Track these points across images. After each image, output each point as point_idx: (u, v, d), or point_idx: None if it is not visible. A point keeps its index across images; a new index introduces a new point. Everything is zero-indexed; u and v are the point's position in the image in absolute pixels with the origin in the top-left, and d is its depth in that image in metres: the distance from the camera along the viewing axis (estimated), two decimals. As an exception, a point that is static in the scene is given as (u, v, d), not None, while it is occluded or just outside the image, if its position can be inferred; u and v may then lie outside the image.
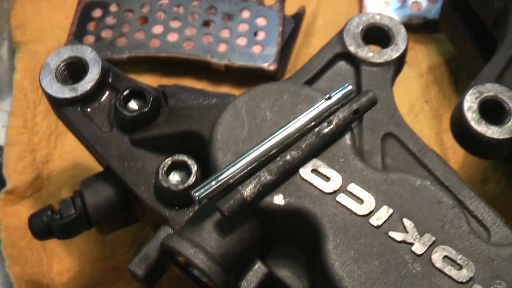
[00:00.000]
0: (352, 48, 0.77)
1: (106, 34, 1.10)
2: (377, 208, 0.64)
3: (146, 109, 0.74)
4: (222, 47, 1.06)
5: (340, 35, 0.78)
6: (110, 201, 0.76)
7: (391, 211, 0.64)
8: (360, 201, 0.65)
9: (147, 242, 0.69)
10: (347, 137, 0.67)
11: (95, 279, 0.94)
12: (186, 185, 0.69)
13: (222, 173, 0.63)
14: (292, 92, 0.69)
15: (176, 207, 0.71)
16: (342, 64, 0.78)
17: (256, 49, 1.06)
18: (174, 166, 0.71)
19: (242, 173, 0.64)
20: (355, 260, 0.62)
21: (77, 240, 0.90)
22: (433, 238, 0.63)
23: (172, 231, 0.68)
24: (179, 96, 0.76)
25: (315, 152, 0.66)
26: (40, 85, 0.77)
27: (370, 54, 0.77)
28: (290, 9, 1.11)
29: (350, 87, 0.67)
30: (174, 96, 0.76)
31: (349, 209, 0.64)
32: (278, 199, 0.64)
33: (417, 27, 1.10)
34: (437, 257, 0.63)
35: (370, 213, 0.64)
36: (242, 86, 1.07)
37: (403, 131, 0.73)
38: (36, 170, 1.00)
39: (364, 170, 0.66)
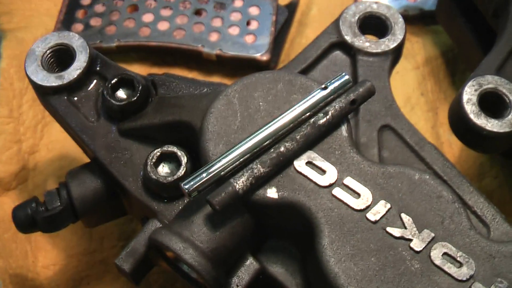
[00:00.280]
0: (348, 38, 0.75)
1: (95, 22, 1.08)
2: (374, 202, 0.62)
3: (135, 98, 0.72)
4: (214, 37, 1.05)
5: (336, 24, 0.76)
6: (96, 193, 0.74)
7: (388, 205, 0.62)
8: (357, 195, 0.63)
9: (135, 236, 0.66)
10: (344, 129, 0.65)
11: (81, 273, 0.92)
12: (175, 177, 0.67)
13: (213, 165, 0.61)
14: (287, 81, 0.67)
15: (165, 200, 0.69)
16: (337, 54, 0.76)
17: (249, 38, 1.04)
18: (163, 158, 0.69)
19: (234, 165, 0.61)
20: (351, 257, 0.60)
21: (63, 233, 0.89)
22: (432, 234, 0.61)
23: (160, 225, 0.65)
24: (169, 85, 0.74)
25: (310, 143, 0.63)
26: (26, 72, 0.75)
27: (367, 44, 0.75)
28: (284, -1, 1.09)
29: (346, 77, 0.65)
30: (164, 85, 0.73)
31: (345, 204, 0.62)
32: (272, 192, 0.62)
33: (413, 19, 1.09)
34: (436, 254, 0.61)
35: (367, 208, 0.62)
36: (234, 76, 1.05)
37: (401, 123, 0.71)
38: (21, 160, 0.98)
39: (361, 163, 0.64)
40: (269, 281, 0.67)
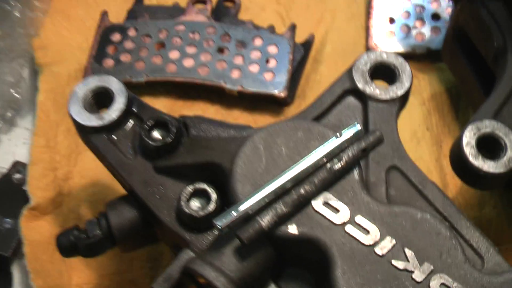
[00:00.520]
0: (360, 85, 0.82)
1: (125, 57, 1.14)
2: (381, 238, 0.70)
3: (169, 139, 0.79)
4: (235, 73, 1.11)
5: (349, 72, 0.83)
6: (133, 223, 0.81)
7: (394, 241, 0.70)
8: (366, 231, 0.71)
9: (170, 264, 0.74)
10: (355, 173, 0.73)
11: (112, 291, 0.99)
12: (206, 211, 0.75)
13: (242, 204, 0.69)
14: (306, 129, 0.75)
15: (196, 231, 0.76)
16: (350, 99, 0.83)
17: (268, 76, 1.10)
18: (195, 193, 0.77)
19: (260, 204, 0.69)
20: (361, 286, 0.68)
21: (95, 254, 0.96)
22: (432, 267, 0.69)
23: (193, 255, 0.73)
24: (199, 127, 0.81)
25: (326, 186, 0.71)
26: (69, 113, 0.81)
27: (377, 91, 0.82)
28: (300, 36, 1.16)
29: (358, 127, 0.73)
30: (195, 127, 0.81)
31: (356, 239, 0.70)
32: (292, 229, 0.70)
33: (420, 57, 1.15)
34: (435, 285, 0.69)
35: (375, 243, 0.70)
36: (254, 109, 1.12)
37: (406, 164, 0.79)
38: (57, 187, 1.05)
39: (370, 203, 0.72)
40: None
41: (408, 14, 1.18)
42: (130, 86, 0.86)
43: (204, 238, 0.76)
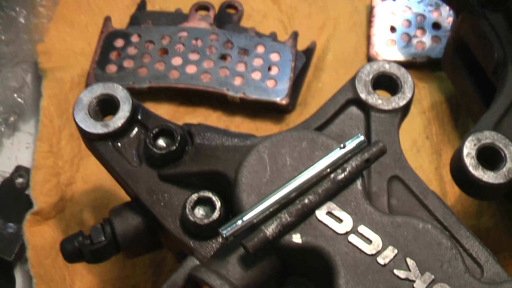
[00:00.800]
0: (363, 95, 0.83)
1: (128, 63, 1.15)
2: (383, 248, 0.71)
3: (174, 147, 0.80)
4: (238, 81, 1.12)
5: (352, 82, 0.84)
6: (138, 230, 0.82)
7: (396, 251, 0.71)
8: (369, 241, 0.72)
9: (175, 271, 0.75)
10: (359, 183, 0.74)
11: (115, 297, 1.00)
12: (211, 219, 0.76)
13: (247, 214, 0.70)
14: (310, 140, 0.76)
15: (200, 238, 0.77)
16: (353, 109, 0.84)
17: (270, 83, 1.11)
18: (200, 201, 0.78)
19: (264, 214, 0.70)
20: (364, 294, 0.69)
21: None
22: (433, 277, 0.70)
23: (198, 262, 0.74)
24: (204, 135, 0.82)
25: (329, 196, 0.73)
26: (74, 120, 0.82)
27: (379, 102, 0.83)
28: (302, 44, 1.17)
29: (362, 138, 0.74)
30: (199, 135, 0.81)
31: (359, 249, 0.71)
32: (296, 238, 0.71)
33: (421, 65, 1.16)
34: (436, 294, 0.70)
35: (378, 253, 0.71)
36: (255, 116, 1.13)
37: (408, 174, 0.80)
38: (60, 192, 1.06)
39: (373, 213, 0.73)
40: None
41: (409, 23, 1.19)
42: (133, 92, 0.87)
43: (208, 245, 0.77)
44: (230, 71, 1.13)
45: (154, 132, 0.81)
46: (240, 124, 1.12)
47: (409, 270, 0.70)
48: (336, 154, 0.73)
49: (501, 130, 0.85)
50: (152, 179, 0.81)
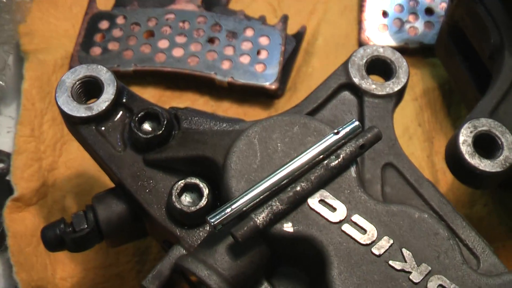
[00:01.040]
0: (356, 80, 0.81)
1: (112, 46, 1.12)
2: (378, 238, 0.69)
3: (160, 131, 0.77)
4: (226, 65, 1.09)
5: (345, 66, 0.82)
6: (121, 217, 0.79)
7: (391, 241, 0.69)
8: (363, 231, 0.69)
9: (160, 261, 0.72)
10: (353, 170, 0.71)
11: (98, 285, 0.97)
12: (198, 207, 0.73)
13: (236, 201, 0.67)
14: (302, 124, 0.73)
15: (187, 227, 0.75)
16: (346, 94, 0.82)
17: (259, 67, 1.09)
18: (186, 188, 0.75)
19: (255, 201, 0.68)
20: (357, 286, 0.67)
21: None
22: (429, 268, 0.68)
23: (184, 251, 0.72)
24: (191, 119, 0.79)
25: (322, 183, 0.70)
26: (56, 102, 0.79)
27: (373, 86, 0.81)
28: (292, 28, 1.15)
29: (356, 123, 0.71)
30: (186, 120, 0.79)
31: (353, 238, 0.69)
32: (288, 227, 0.68)
33: (413, 51, 1.14)
34: (432, 286, 0.67)
35: (372, 243, 0.69)
36: (243, 101, 1.11)
37: (402, 161, 0.77)
38: (42, 177, 1.03)
39: (367, 201, 0.70)
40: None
41: (401, 8, 1.17)
42: (117, 75, 0.84)
43: (195, 234, 0.74)
44: (218, 54, 1.11)
45: (139, 115, 0.79)
46: (228, 109, 1.10)
47: (405, 261, 0.68)
48: (330, 139, 0.71)
49: (498, 117, 0.83)
50: (137, 164, 0.78)
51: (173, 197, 0.74)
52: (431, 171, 1.05)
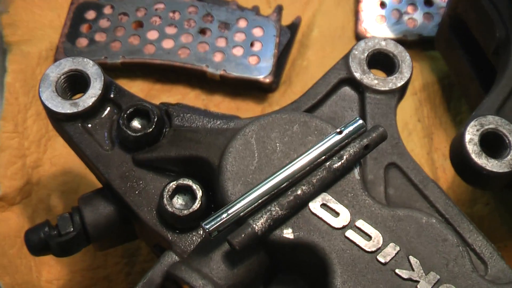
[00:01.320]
0: (357, 75, 0.77)
1: (99, 37, 1.09)
2: (384, 244, 0.65)
3: (150, 129, 0.73)
4: (218, 57, 1.06)
5: (345, 60, 0.78)
6: (109, 219, 0.76)
7: (397, 248, 0.65)
8: (368, 237, 0.65)
9: (152, 267, 0.68)
10: (356, 172, 0.67)
11: (85, 288, 0.94)
12: (191, 210, 0.69)
13: (233, 206, 0.64)
14: (302, 123, 0.69)
15: (179, 231, 0.71)
16: (346, 89, 0.78)
17: (252, 60, 1.06)
18: (178, 190, 0.71)
19: (252, 206, 0.64)
20: (362, 296, 0.63)
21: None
22: (438, 277, 0.64)
23: (177, 258, 0.68)
24: (183, 116, 0.75)
25: (325, 186, 0.66)
26: (40, 98, 0.76)
27: (375, 82, 0.77)
28: (286, 19, 1.11)
29: (360, 122, 0.68)
30: (179, 116, 0.75)
31: (357, 245, 0.65)
32: (288, 233, 0.65)
33: (412, 44, 1.11)
34: (441, 296, 0.64)
35: (378, 250, 0.65)
36: (236, 95, 1.07)
37: (406, 161, 0.74)
38: (26, 175, 1.00)
39: (372, 206, 0.66)
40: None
41: (400, -2, 1.13)
42: (105, 68, 0.81)
43: (188, 238, 0.70)
44: (210, 46, 1.07)
45: (128, 112, 0.75)
46: (220, 103, 1.06)
47: (412, 269, 0.64)
48: (332, 139, 0.67)
49: (504, 114, 0.79)
50: (126, 164, 0.74)
51: (165, 199, 0.70)
52: (431, 168, 1.03)
